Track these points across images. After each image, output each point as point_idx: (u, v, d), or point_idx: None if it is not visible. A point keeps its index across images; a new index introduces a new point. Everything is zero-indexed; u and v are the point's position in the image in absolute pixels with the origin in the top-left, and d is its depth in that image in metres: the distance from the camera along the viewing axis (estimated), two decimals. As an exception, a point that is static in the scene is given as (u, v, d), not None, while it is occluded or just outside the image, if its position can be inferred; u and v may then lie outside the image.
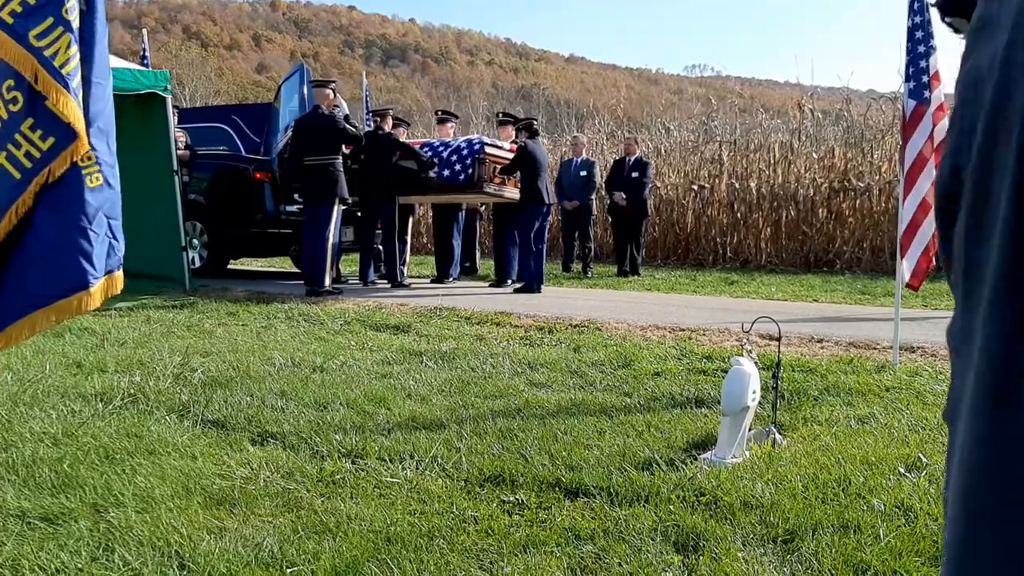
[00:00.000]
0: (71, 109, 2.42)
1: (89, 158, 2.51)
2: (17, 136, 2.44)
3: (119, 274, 2.67)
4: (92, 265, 2.54)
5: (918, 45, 4.68)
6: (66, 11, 2.41)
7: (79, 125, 2.45)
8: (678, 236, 14.76)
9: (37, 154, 2.44)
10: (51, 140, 2.44)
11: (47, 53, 2.40)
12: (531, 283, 9.10)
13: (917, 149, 4.62)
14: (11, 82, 2.43)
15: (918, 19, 4.69)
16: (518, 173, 9.39)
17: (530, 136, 9.34)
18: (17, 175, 2.44)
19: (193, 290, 8.47)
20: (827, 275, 11.80)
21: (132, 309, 7.06)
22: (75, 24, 2.44)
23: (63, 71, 2.41)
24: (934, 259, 4.70)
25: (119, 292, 2.68)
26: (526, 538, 2.40)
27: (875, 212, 12.70)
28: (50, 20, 2.40)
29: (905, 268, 4.65)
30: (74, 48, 2.44)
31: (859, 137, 13.49)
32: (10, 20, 2.40)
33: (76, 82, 2.44)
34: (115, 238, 2.63)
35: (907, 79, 4.75)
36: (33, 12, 2.40)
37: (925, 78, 4.66)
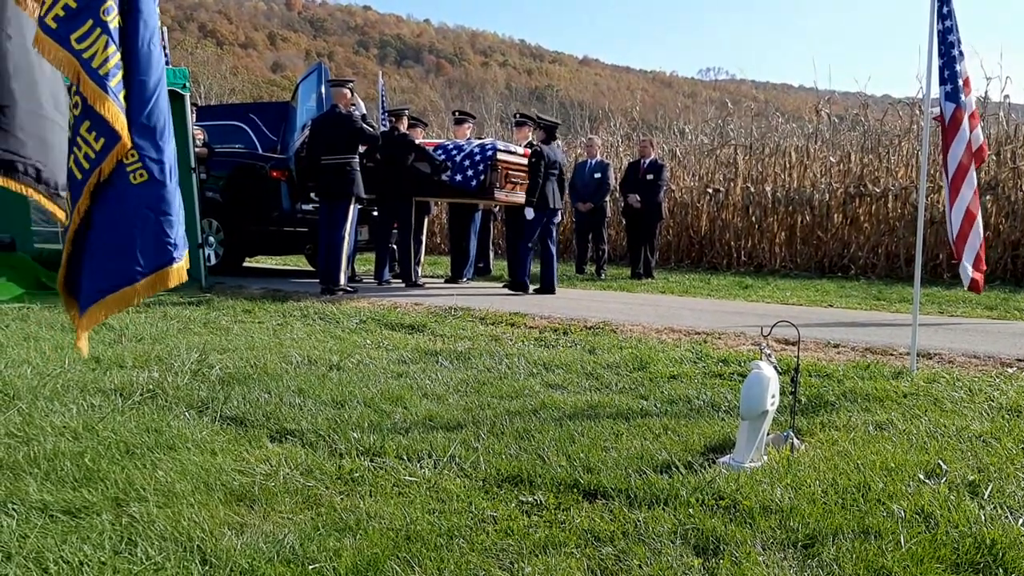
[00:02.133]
0: (109, 109, 2.48)
1: (132, 155, 2.57)
2: (78, 138, 2.54)
3: (173, 268, 2.69)
4: (135, 261, 2.60)
5: (951, 48, 4.66)
6: (103, 11, 2.47)
7: (118, 124, 2.50)
8: (692, 239, 14.73)
9: (92, 155, 2.53)
10: (102, 141, 2.52)
11: (86, 56, 2.46)
12: (548, 285, 9.17)
13: (957, 158, 4.64)
14: (74, 87, 2.52)
15: (948, 23, 4.67)
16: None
17: (545, 140, 9.33)
18: (79, 176, 2.56)
19: (209, 287, 8.52)
20: (842, 280, 11.74)
21: (149, 305, 7.10)
22: (113, 24, 2.49)
23: (100, 72, 2.47)
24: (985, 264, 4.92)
25: (172, 286, 2.71)
26: (545, 539, 2.40)
27: (891, 218, 12.62)
28: (89, 23, 2.47)
29: (962, 274, 4.83)
30: (111, 48, 2.49)
31: (875, 142, 13.42)
32: (54, 25, 2.47)
33: (115, 82, 2.50)
34: (165, 233, 2.66)
35: (943, 82, 4.74)
36: (75, 16, 2.46)
37: (960, 82, 4.65)
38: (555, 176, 9.19)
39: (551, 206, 9.18)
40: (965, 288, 4.99)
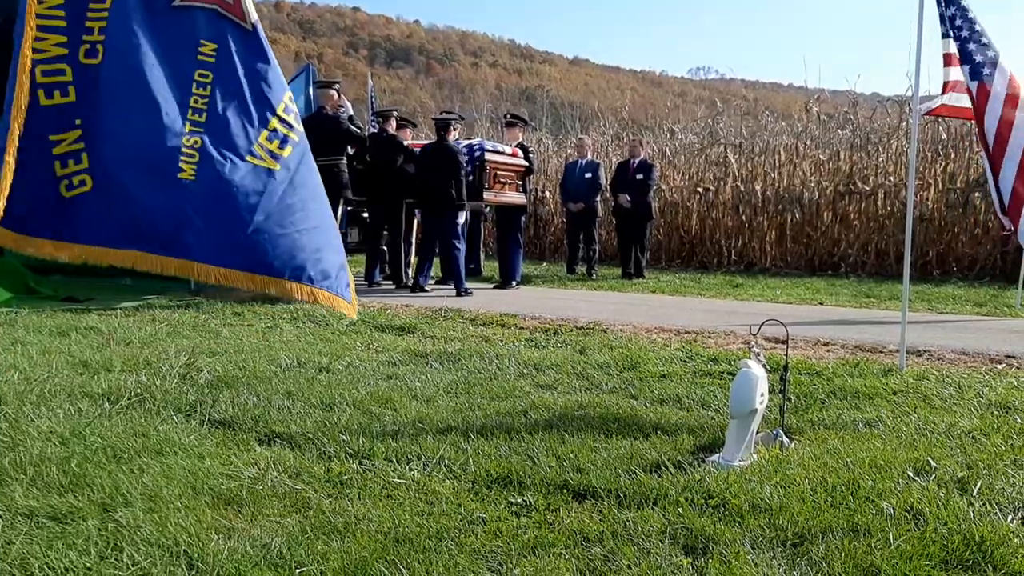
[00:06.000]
0: None
1: None
2: None
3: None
4: None
5: (959, 31, 4.70)
6: None
7: None
8: (683, 239, 14.74)
9: None
10: None
11: None
12: (460, 285, 8.95)
13: (997, 115, 4.61)
14: None
15: (953, 9, 4.71)
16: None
17: (438, 138, 9.11)
18: None
19: (198, 290, 8.47)
20: (832, 278, 11.77)
21: (137, 309, 7.07)
22: None
23: None
24: None
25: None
26: (534, 540, 2.39)
27: (880, 215, 12.67)
28: None
29: (1021, 239, 4.71)
30: None
31: (865, 140, 13.46)
32: None
33: None
34: None
35: (963, 62, 4.77)
36: None
37: (979, 58, 4.67)
38: (439, 176, 8.91)
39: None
40: None
